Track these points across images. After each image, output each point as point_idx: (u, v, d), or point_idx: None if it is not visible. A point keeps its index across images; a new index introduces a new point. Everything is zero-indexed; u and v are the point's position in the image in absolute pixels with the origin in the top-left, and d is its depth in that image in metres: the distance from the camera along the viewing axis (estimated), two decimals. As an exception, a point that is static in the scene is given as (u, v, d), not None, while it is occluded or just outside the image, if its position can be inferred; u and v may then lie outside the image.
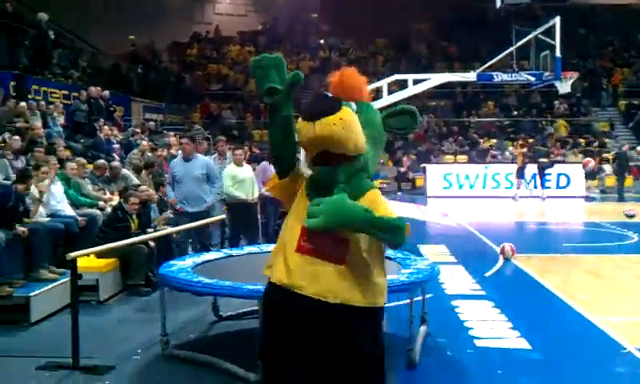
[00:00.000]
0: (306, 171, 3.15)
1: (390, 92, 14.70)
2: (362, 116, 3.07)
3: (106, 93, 16.94)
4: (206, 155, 10.85)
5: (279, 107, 3.07)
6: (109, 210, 9.10)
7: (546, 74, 14.19)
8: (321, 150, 2.92)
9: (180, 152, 9.43)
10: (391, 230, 2.86)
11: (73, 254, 5.44)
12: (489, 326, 6.59)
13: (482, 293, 8.04)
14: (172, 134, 16.98)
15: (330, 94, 3.10)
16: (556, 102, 27.67)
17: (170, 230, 8.41)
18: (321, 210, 2.81)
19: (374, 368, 3.04)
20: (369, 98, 3.30)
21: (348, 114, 2.93)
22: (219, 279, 5.29)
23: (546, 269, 9.63)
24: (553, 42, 13.75)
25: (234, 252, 7.18)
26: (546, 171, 20.92)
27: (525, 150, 21.54)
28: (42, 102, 14.10)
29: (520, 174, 20.75)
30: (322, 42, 34.31)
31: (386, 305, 3.16)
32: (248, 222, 10.12)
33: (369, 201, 2.98)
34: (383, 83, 14.85)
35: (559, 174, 21.67)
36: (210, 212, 8.85)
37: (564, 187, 21.61)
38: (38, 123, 11.99)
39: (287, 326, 3.00)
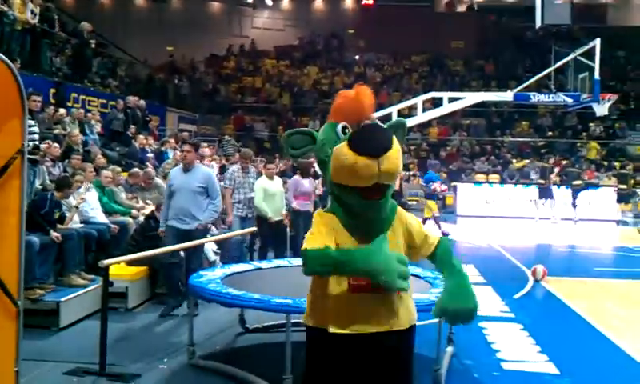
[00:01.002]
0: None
1: (424, 109, 14.67)
2: None
3: (143, 102, 17.17)
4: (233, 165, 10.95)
5: None
6: (141, 218, 9.21)
7: (584, 95, 14.06)
8: (375, 183, 2.78)
9: (184, 163, 7.91)
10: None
11: (106, 262, 5.52)
12: (516, 349, 6.53)
13: (511, 315, 7.96)
14: (205, 144, 17.14)
15: (378, 123, 2.96)
16: (591, 125, 27.31)
17: (202, 240, 8.47)
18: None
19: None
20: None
21: (397, 144, 2.84)
22: (247, 291, 5.32)
23: (576, 293, 9.49)
24: (592, 64, 13.65)
25: (263, 264, 7.23)
26: (580, 195, 20.62)
27: (557, 170, 21.29)
28: (81, 110, 14.34)
29: (545, 194, 20.41)
30: (357, 57, 34.40)
31: (414, 324, 3.18)
32: (277, 235, 10.22)
33: (400, 217, 3.03)
34: (418, 100, 14.85)
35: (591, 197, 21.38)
36: (205, 232, 7.88)
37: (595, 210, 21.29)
38: (76, 131, 12.18)
39: (346, 366, 2.95)
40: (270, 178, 10.12)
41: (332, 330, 2.90)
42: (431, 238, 3.09)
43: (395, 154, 2.77)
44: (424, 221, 15.13)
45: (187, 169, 7.78)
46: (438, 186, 15.71)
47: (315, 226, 2.95)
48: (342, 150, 2.78)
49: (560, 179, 20.74)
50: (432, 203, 15.20)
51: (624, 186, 21.96)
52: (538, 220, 19.86)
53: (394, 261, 2.68)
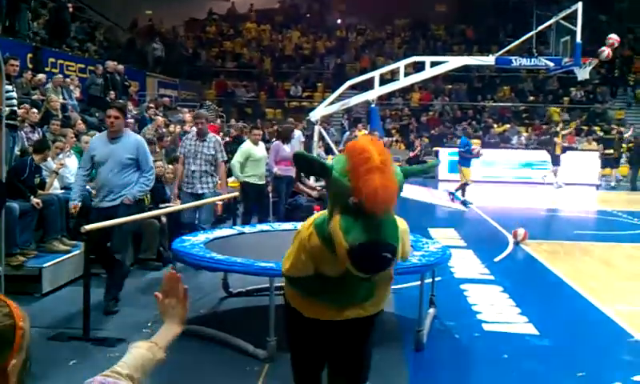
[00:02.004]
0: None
1: (407, 74, 14.63)
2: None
3: (121, 67, 16.96)
4: (220, 134, 10.79)
5: None
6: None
7: (566, 59, 14.06)
8: None
9: (112, 130, 6.51)
10: None
11: (87, 227, 5.50)
12: (497, 311, 6.62)
13: (491, 277, 8.06)
14: (186, 110, 17.01)
15: (389, 256, 2.62)
16: (572, 89, 27.41)
17: (182, 206, 8.45)
18: None
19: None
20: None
21: (400, 250, 2.74)
22: (231, 256, 5.33)
23: (556, 256, 9.62)
24: (574, 28, 13.60)
25: (246, 229, 7.24)
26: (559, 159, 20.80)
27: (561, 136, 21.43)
28: (59, 75, 14.13)
29: (556, 161, 20.63)
30: (339, 21, 34.12)
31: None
32: (260, 200, 10.29)
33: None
34: (400, 65, 14.76)
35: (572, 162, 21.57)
36: (129, 208, 6.41)
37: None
38: (55, 96, 12.03)
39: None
40: (255, 143, 10.22)
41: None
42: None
43: (389, 274, 2.90)
44: (462, 187, 15.24)
45: (114, 137, 6.48)
46: (479, 149, 16.20)
47: (297, 250, 3.00)
48: (341, 248, 2.61)
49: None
50: (467, 170, 15.32)
51: (610, 151, 21.91)
52: (557, 186, 20.11)
53: None
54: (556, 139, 20.91)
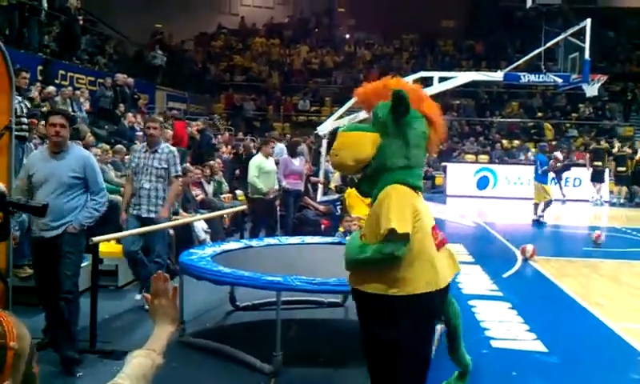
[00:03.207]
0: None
1: (415, 89, 14.61)
2: (374, 119, 3.24)
3: (131, 80, 17.04)
4: (231, 148, 10.83)
5: None
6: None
7: (574, 76, 14.04)
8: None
9: (55, 141, 5.30)
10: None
11: (95, 239, 5.50)
12: (505, 328, 6.58)
13: (499, 294, 8.02)
14: (194, 123, 17.06)
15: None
16: (581, 106, 27.37)
17: (191, 218, 8.45)
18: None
19: None
20: (387, 97, 3.23)
21: (339, 139, 3.28)
22: (238, 269, 5.33)
23: (564, 272, 9.57)
24: (582, 45, 13.57)
25: (254, 243, 7.23)
26: (564, 175, 20.73)
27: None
28: (69, 88, 14.22)
29: (599, 178, 20.60)
30: (347, 36, 34.25)
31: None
32: (269, 214, 10.33)
33: (378, 201, 3.14)
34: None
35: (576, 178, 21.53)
36: (76, 238, 5.26)
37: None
38: (65, 108, 12.07)
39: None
40: (267, 156, 10.30)
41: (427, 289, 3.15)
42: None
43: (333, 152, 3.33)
44: (546, 204, 15.20)
45: (57, 151, 5.31)
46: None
47: (402, 206, 3.11)
48: None
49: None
50: (548, 188, 15.29)
51: (599, 163, 21.37)
52: (598, 202, 20.15)
53: None
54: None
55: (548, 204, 15.32)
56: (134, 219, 6.97)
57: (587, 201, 20.74)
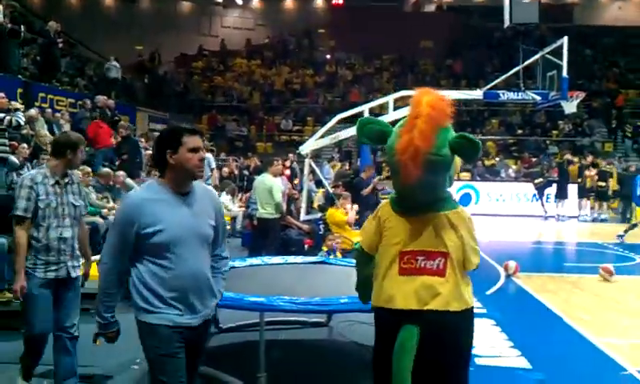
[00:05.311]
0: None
1: (396, 108, 14.72)
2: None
3: (112, 102, 16.99)
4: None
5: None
6: (111, 218, 9.10)
7: (552, 93, 14.20)
8: None
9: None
10: None
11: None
12: (489, 344, 6.58)
13: (483, 311, 8.02)
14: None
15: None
16: (560, 122, 27.65)
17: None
18: None
19: (466, 361, 3.39)
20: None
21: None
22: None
23: (546, 288, 9.61)
24: (560, 63, 13.76)
25: (237, 263, 7.18)
26: (546, 191, 20.86)
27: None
28: (49, 110, 14.15)
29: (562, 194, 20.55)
30: (328, 56, 34.45)
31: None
32: (271, 236, 10.04)
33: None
34: (389, 99, 14.86)
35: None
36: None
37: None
38: (44, 131, 12.01)
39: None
40: (275, 176, 10.18)
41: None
42: None
43: None
44: (631, 227, 14.94)
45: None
46: None
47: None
48: None
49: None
50: None
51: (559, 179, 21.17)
52: (563, 218, 20.17)
53: None
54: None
55: (633, 226, 15.01)
56: (45, 285, 4.82)
57: (575, 217, 20.86)
